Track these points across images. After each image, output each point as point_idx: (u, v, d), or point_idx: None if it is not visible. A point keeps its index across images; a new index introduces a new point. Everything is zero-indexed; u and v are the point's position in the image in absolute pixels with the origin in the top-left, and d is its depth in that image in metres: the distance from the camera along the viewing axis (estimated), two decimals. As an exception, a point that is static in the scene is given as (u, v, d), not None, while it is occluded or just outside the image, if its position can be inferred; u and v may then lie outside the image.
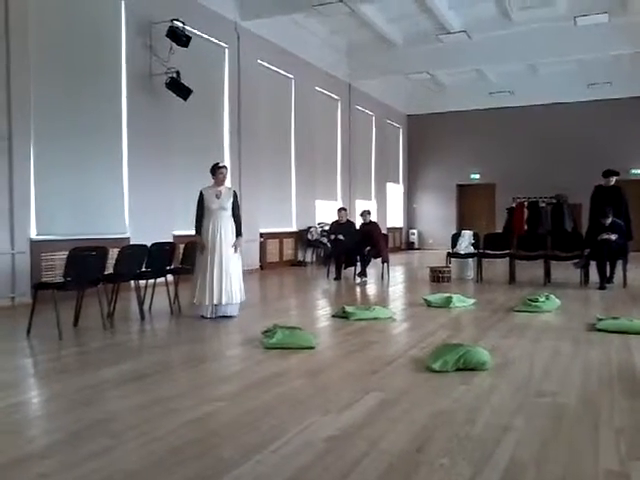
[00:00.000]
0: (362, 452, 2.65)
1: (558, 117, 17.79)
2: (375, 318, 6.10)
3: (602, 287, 8.58)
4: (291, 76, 13.55)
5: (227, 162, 11.14)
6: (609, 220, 8.85)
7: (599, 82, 16.72)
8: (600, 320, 5.63)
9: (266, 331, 5.04)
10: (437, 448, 2.70)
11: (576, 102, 17.53)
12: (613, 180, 9.55)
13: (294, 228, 13.70)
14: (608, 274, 8.86)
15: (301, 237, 13.76)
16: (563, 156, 17.66)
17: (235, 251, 6.32)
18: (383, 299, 8.17)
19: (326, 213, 14.63)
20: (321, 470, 2.48)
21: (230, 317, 6.27)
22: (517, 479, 2.38)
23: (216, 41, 11.06)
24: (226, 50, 11.36)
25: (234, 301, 6.28)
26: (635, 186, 15.75)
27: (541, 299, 6.74)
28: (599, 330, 5.41)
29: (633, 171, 17.00)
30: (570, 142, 17.66)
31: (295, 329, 5.05)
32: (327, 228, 12.01)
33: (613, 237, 8.71)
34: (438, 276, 9.63)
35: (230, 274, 6.22)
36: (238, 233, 6.40)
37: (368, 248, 10.07)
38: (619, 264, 8.94)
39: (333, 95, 15.68)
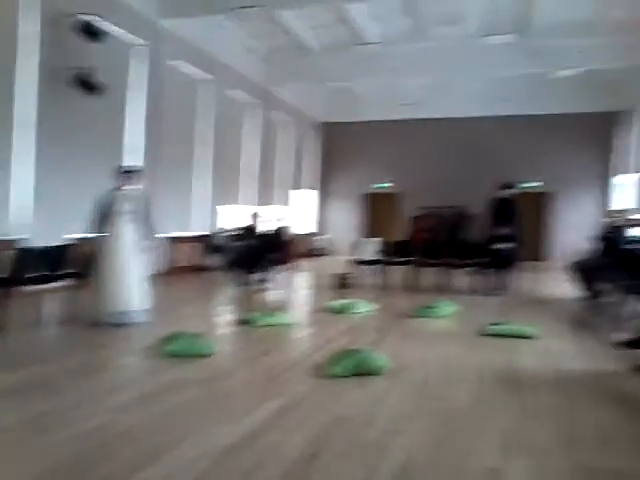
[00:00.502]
0: (259, 459, 2.66)
1: (462, 130, 18.63)
2: (279, 324, 6.13)
3: (495, 294, 9.06)
4: (209, 77, 13.39)
5: (139, 164, 10.83)
6: (503, 230, 9.38)
7: (500, 99, 17.66)
8: (490, 325, 5.95)
9: (166, 338, 4.93)
10: (333, 452, 2.76)
11: (479, 117, 18.43)
12: (508, 192, 10.12)
13: (201, 232, 13.50)
14: (500, 281, 9.37)
15: (208, 242, 13.56)
16: (465, 168, 18.50)
17: (143, 255, 6.15)
18: (287, 305, 8.22)
19: (236, 218, 14.51)
20: (219, 478, 2.47)
21: (132, 324, 6.08)
22: (406, 480, 2.49)
23: (133, 38, 10.73)
24: (143, 48, 11.04)
25: (137, 307, 6.09)
26: (527, 198, 16.77)
27: (438, 305, 7.03)
28: (489, 335, 5.72)
29: (526, 184, 18.07)
30: (472, 155, 18.54)
31: (196, 336, 4.98)
32: (236, 233, 11.93)
33: (506, 247, 9.24)
34: (343, 282, 9.81)
35: (133, 280, 6.04)
36: (148, 237, 6.24)
37: (276, 254, 10.09)
38: (510, 272, 9.48)
39: (250, 99, 15.62)
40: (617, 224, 8.79)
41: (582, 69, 14.79)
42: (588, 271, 8.10)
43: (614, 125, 18.10)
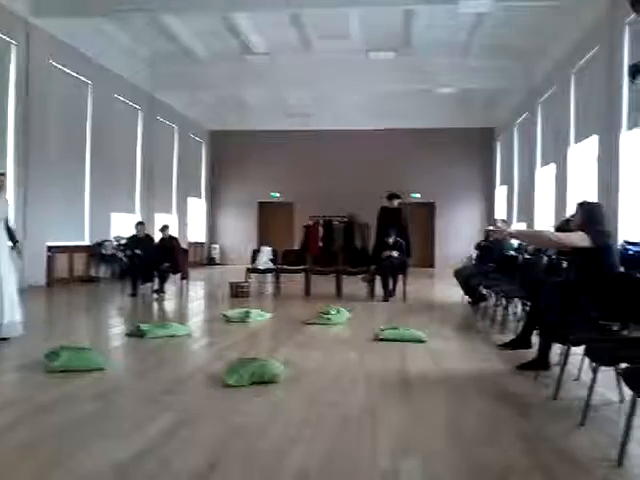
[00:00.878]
0: (152, 475, 2.58)
1: (351, 142, 19.17)
2: (172, 335, 5.97)
3: (385, 300, 9.38)
4: (89, 82, 12.80)
5: (10, 169, 10.14)
6: (392, 239, 9.76)
7: (387, 112, 18.36)
8: (382, 330, 6.15)
9: (50, 353, 4.64)
10: (230, 464, 2.73)
11: (366, 129, 19.04)
12: (396, 202, 10.52)
13: (87, 242, 12.88)
14: (390, 288, 9.71)
15: (95, 251, 12.97)
16: (355, 179, 19.01)
17: (12, 258, 5.77)
18: (181, 315, 8.04)
19: (123, 226, 13.97)
20: (107, 499, 2.36)
21: (6, 339, 5.65)
22: (304, 486, 2.50)
23: (1, 36, 10.06)
24: (13, 47, 10.37)
25: (11, 320, 5.65)
26: (414, 208, 17.55)
27: (332, 312, 7.16)
28: (382, 339, 5.90)
29: (413, 194, 18.90)
30: (361, 166, 19.10)
31: (83, 350, 4.74)
32: (124, 242, 11.49)
33: (395, 254, 9.61)
34: (238, 291, 9.74)
35: (9, 290, 5.64)
36: (13, 244, 5.88)
37: (167, 264, 9.84)
38: (400, 279, 9.85)
39: (134, 105, 15.13)
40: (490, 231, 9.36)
41: (458, 88, 15.75)
42: (471, 276, 8.58)
43: (492, 140, 19.37)
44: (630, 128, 9.07)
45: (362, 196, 17.81)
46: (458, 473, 2.67)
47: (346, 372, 4.63)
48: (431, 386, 4.24)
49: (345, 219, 17.29)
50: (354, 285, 10.31)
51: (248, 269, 10.43)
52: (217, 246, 20.49)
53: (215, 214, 20.76)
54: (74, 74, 12.32)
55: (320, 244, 16.90)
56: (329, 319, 6.98)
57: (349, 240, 16.67)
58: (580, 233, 4.53)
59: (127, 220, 14.16)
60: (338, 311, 7.27)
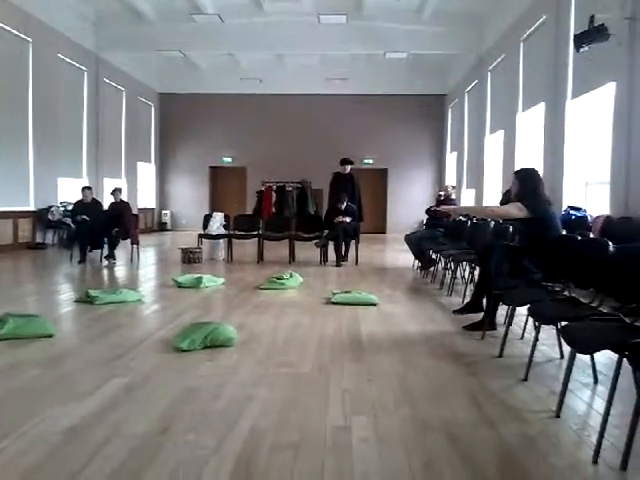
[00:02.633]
0: (104, 439, 2.57)
1: (304, 107, 18.99)
2: (122, 301, 5.89)
3: (338, 264, 9.47)
4: (29, 39, 12.20)
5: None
6: (344, 204, 9.81)
7: (338, 77, 18.25)
8: (335, 294, 6.23)
9: (-5, 321, 4.52)
10: (183, 426, 2.75)
11: (318, 94, 18.89)
12: (348, 168, 10.54)
13: (32, 207, 12.46)
14: (343, 253, 9.81)
15: (41, 217, 12.58)
16: (308, 144, 18.92)
17: None
18: (132, 281, 7.93)
19: (71, 192, 13.56)
20: (60, 461, 2.35)
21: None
22: (257, 445, 2.54)
23: None
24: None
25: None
26: (367, 174, 17.64)
27: (285, 277, 7.20)
28: (334, 303, 5.98)
29: (365, 160, 18.97)
30: (314, 131, 19.00)
31: (31, 317, 4.64)
32: (71, 208, 11.17)
33: (347, 220, 9.68)
34: (189, 257, 9.65)
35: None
36: None
37: (116, 229, 9.64)
38: (352, 244, 9.95)
39: (79, 65, 14.54)
40: (444, 198, 9.54)
41: (409, 53, 15.76)
42: (421, 241, 8.73)
43: (443, 106, 19.52)
44: (575, 97, 9.29)
45: (315, 162, 17.80)
46: (406, 428, 2.76)
47: (299, 335, 4.69)
48: (382, 347, 4.33)
49: (298, 185, 17.29)
50: (307, 250, 10.35)
51: (200, 235, 10.33)
52: (168, 212, 20.15)
53: (165, 179, 20.35)
54: (13, 31, 11.71)
55: (273, 209, 16.92)
56: (282, 284, 7.02)
57: (302, 206, 16.73)
58: (518, 204, 4.65)
59: (75, 185, 13.73)
60: (291, 276, 7.30)
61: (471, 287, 6.04)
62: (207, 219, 10.65)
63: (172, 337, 4.32)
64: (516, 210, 4.65)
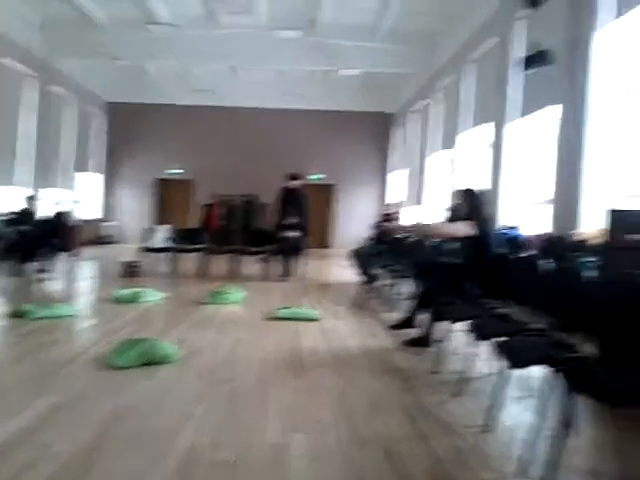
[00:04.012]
0: (32, 458, 2.48)
1: (255, 121, 18.96)
2: (56, 316, 5.70)
3: (282, 279, 9.46)
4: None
5: None
6: (291, 219, 9.84)
7: (292, 92, 18.33)
8: (278, 309, 6.21)
9: None
10: (114, 445, 2.68)
11: (270, 108, 18.92)
12: (296, 183, 10.57)
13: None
14: (288, 268, 9.80)
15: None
16: (257, 158, 18.87)
17: None
18: (68, 295, 7.70)
19: (8, 201, 13.05)
20: (-21, 485, 2.25)
21: None
22: (193, 464, 2.51)
23: None
24: None
25: None
26: (314, 189, 17.71)
27: (229, 291, 7.13)
28: (277, 318, 5.96)
29: (313, 176, 19.06)
30: (264, 145, 18.98)
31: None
32: (9, 217, 10.76)
33: (293, 234, 9.70)
34: (130, 270, 9.44)
35: None
36: None
37: (56, 240, 9.35)
38: (298, 259, 9.96)
39: (26, 71, 14.08)
40: (390, 214, 9.70)
41: (361, 70, 16.00)
42: (365, 257, 8.82)
43: (391, 125, 19.88)
44: (519, 118, 9.62)
45: (264, 176, 17.74)
46: (343, 444, 2.77)
47: (240, 350, 4.65)
48: (323, 363, 4.34)
49: (246, 198, 17.25)
50: (252, 265, 10.29)
51: (144, 248, 10.12)
52: (113, 223, 19.68)
53: (112, 190, 19.87)
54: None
55: (220, 223, 16.79)
56: (225, 298, 6.95)
57: (249, 220, 16.69)
58: (466, 222, 4.80)
59: (13, 194, 13.24)
60: (235, 290, 7.24)
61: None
62: (149, 232, 10.46)
63: (107, 354, 4.20)
64: (464, 228, 4.78)
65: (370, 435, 2.88)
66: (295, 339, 5.10)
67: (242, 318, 6.14)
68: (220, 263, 10.42)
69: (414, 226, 8.76)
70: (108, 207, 19.85)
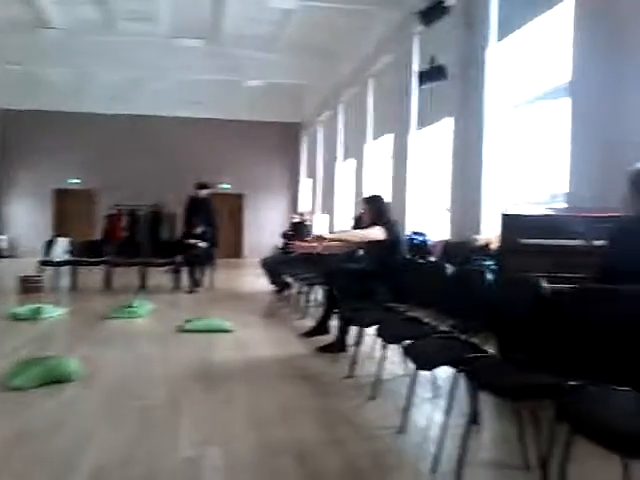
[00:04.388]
0: None
1: (159, 129, 18.48)
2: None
3: (192, 291, 9.26)
4: None
5: None
6: (199, 229, 9.66)
7: (196, 101, 18.03)
8: (188, 321, 6.07)
9: None
10: (15, 470, 2.51)
11: (175, 117, 18.52)
12: (204, 192, 10.40)
13: None
14: (198, 278, 9.61)
15: None
16: (163, 167, 18.39)
17: None
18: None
19: None
20: None
21: None
22: (99, 485, 2.39)
23: None
24: None
25: None
26: (223, 198, 17.54)
27: (135, 305, 6.89)
28: (187, 331, 5.82)
29: (222, 185, 18.86)
30: (170, 154, 18.52)
31: None
32: None
33: (202, 245, 9.53)
34: (28, 286, 8.90)
35: None
36: None
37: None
38: (207, 270, 9.79)
39: None
40: (296, 222, 9.76)
41: (266, 81, 16.06)
42: (275, 266, 8.81)
43: (299, 135, 20.06)
44: (418, 129, 10.00)
45: (170, 185, 17.35)
46: (257, 453, 2.74)
47: (148, 365, 4.50)
48: (235, 374, 4.28)
49: (152, 208, 16.76)
50: (160, 277, 10.00)
51: (40, 262, 9.59)
52: (5, 237, 18.50)
53: (4, 201, 18.71)
54: None
55: (124, 234, 16.22)
56: (131, 312, 6.71)
57: (155, 230, 16.23)
58: (377, 227, 4.92)
59: None
60: (142, 303, 7.01)
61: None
62: (49, 245, 9.94)
63: (4, 375, 3.93)
64: (375, 232, 4.90)
65: (285, 443, 2.87)
66: (207, 351, 5.00)
67: (150, 332, 5.95)
68: (125, 276, 10.05)
69: (335, 237, 8.53)
70: (1, 219, 18.67)
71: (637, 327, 2.04)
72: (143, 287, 9.49)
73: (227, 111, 18.55)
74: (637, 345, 2.01)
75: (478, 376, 2.51)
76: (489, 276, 3.34)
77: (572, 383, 2.06)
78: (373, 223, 4.99)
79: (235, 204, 19.37)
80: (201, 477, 2.47)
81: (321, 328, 5.51)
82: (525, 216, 4.76)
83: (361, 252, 6.21)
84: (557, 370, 2.32)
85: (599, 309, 2.35)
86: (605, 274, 3.02)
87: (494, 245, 5.84)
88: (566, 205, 5.87)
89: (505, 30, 7.58)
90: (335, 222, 14.65)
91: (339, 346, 4.86)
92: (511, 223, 4.29)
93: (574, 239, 4.03)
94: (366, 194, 5.94)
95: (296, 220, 10.01)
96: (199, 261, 9.54)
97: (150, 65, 14.70)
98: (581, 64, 5.91)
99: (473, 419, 2.75)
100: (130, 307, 6.81)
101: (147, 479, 2.44)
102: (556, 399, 2.00)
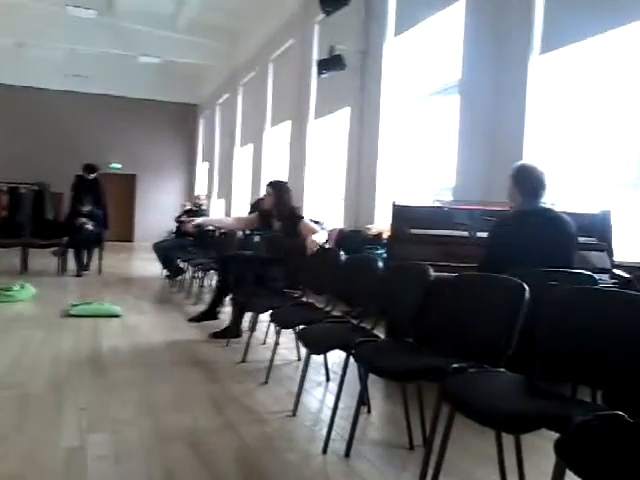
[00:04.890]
0: None
1: (43, 103, 17.31)
2: None
3: (79, 274, 8.84)
4: None
5: None
6: (87, 208, 9.22)
7: (85, 75, 17.04)
8: (74, 306, 5.80)
9: None
10: None
11: (61, 91, 17.45)
12: (92, 176, 9.94)
13: None
14: (85, 261, 9.19)
15: None
16: (47, 143, 17.31)
17: None
18: None
19: None
20: None
21: None
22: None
23: None
24: None
25: None
26: (113, 179, 16.82)
27: (15, 288, 6.49)
28: (73, 316, 5.57)
29: (112, 165, 18.06)
30: (54, 130, 17.44)
31: None
32: None
33: (90, 226, 9.10)
34: None
35: None
36: None
37: None
38: (96, 252, 9.38)
39: None
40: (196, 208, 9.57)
41: (161, 59, 15.53)
42: (167, 250, 8.61)
43: (197, 117, 19.60)
44: (317, 118, 10.10)
45: (56, 163, 16.36)
46: (147, 440, 2.68)
47: (30, 352, 4.26)
48: (125, 360, 4.16)
49: (35, 187, 15.69)
50: (44, 259, 9.46)
51: None
52: None
53: None
54: None
55: (3, 214, 15.11)
56: (10, 296, 6.31)
57: (39, 210, 15.24)
58: (253, 215, 5.09)
59: None
60: (22, 287, 6.60)
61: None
62: None
63: None
64: (251, 219, 5.07)
65: (176, 429, 2.83)
66: (94, 337, 4.81)
67: (32, 317, 5.63)
68: (6, 257, 9.43)
69: (210, 220, 8.50)
70: None
71: (511, 313, 2.20)
72: (25, 269, 8.95)
73: (119, 87, 17.73)
74: (510, 330, 2.17)
75: (367, 359, 2.60)
76: (380, 264, 3.46)
77: (455, 366, 2.18)
78: (275, 209, 5.04)
79: (126, 185, 18.65)
80: (85, 467, 2.38)
81: (210, 313, 5.48)
82: (414, 207, 4.94)
83: (257, 239, 6.22)
84: (442, 353, 2.45)
85: (478, 295, 2.53)
86: (486, 264, 3.24)
87: (386, 235, 6.05)
88: (452, 198, 6.19)
89: (402, 25, 7.82)
90: (232, 207, 14.51)
91: (233, 332, 4.85)
92: (401, 213, 4.44)
93: (459, 230, 4.26)
94: (264, 180, 5.97)
95: (187, 208, 9.82)
96: (86, 243, 9.12)
97: (37, 33, 13.77)
98: (470, 65, 6.24)
99: (362, 401, 2.85)
100: (9, 290, 6.40)
101: (23, 474, 2.31)
102: (440, 381, 2.12)
